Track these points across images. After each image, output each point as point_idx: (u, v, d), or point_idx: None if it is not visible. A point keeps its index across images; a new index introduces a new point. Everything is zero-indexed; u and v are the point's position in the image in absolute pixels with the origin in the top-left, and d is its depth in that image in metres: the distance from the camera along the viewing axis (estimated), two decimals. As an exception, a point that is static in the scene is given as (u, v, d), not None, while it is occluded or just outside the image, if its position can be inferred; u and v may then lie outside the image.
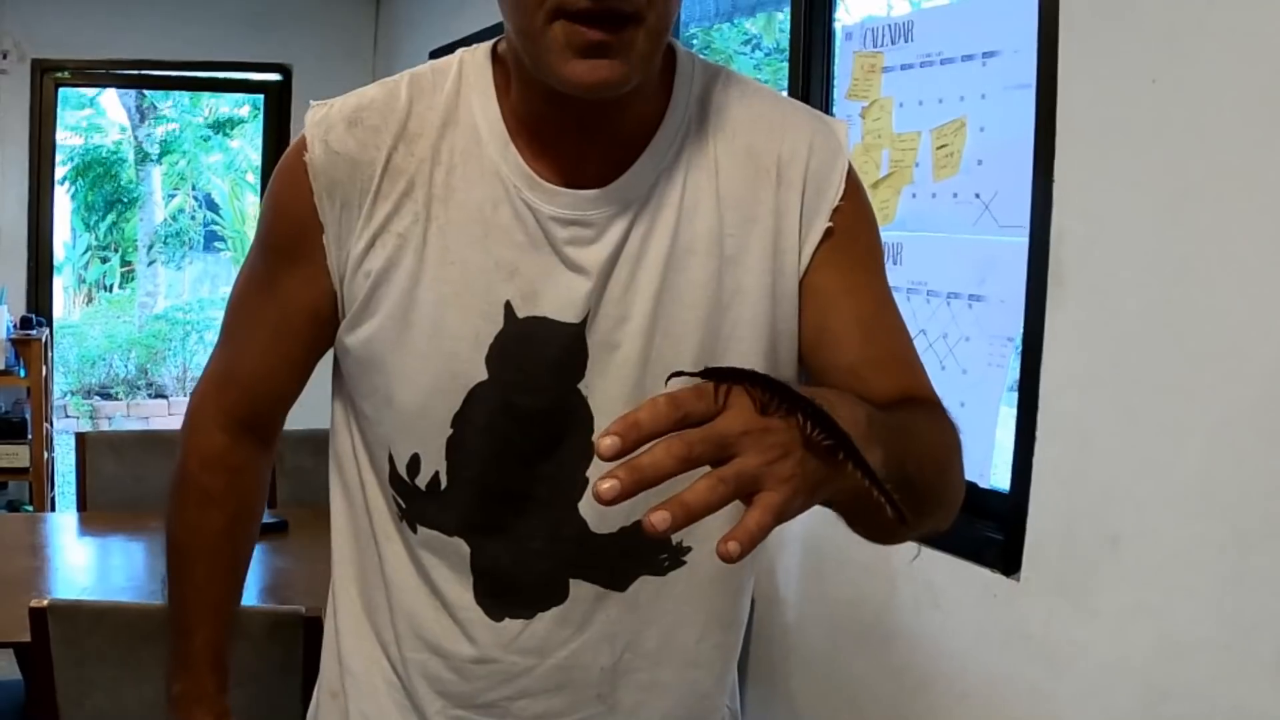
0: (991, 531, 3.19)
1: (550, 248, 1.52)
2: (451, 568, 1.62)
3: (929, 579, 3.39)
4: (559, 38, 1.36)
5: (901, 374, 1.59)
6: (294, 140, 1.59)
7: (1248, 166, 2.52)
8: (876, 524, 1.38)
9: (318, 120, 1.56)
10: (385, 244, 1.52)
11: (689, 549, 1.62)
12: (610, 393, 1.53)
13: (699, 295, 1.54)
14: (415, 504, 1.61)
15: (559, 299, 1.52)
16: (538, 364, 1.53)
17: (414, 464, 1.58)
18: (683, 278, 1.54)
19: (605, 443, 1.06)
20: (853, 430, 1.14)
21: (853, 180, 1.61)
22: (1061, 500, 2.96)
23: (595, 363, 1.54)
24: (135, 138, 15.68)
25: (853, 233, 1.60)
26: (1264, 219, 2.48)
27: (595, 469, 1.54)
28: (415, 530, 1.63)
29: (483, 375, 1.52)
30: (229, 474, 1.79)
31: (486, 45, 1.60)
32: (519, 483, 1.53)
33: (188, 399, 1.87)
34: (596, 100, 1.43)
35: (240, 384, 1.73)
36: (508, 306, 1.52)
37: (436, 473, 1.57)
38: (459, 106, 1.55)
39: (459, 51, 1.62)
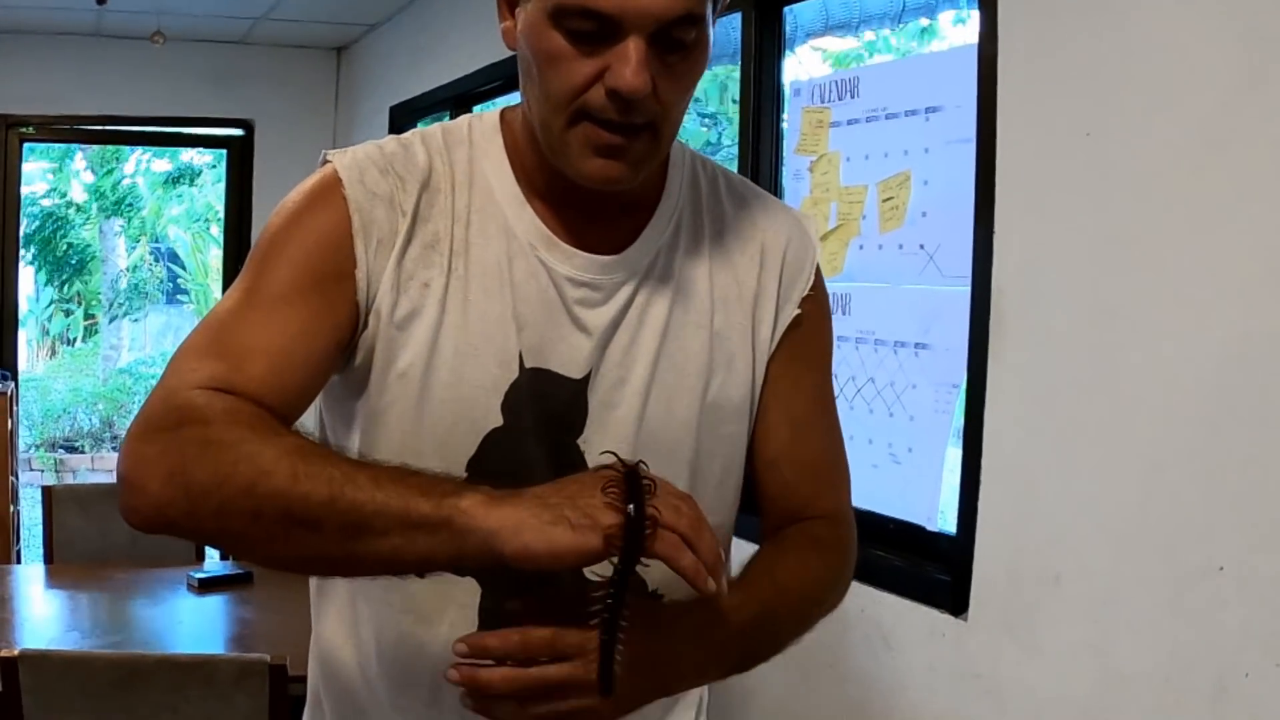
0: (940, 573, 3.27)
1: (561, 305, 1.60)
2: (460, 607, 1.65)
3: (880, 620, 3.46)
4: (580, 137, 1.48)
5: (812, 481, 1.75)
6: (315, 177, 1.58)
7: (1179, 215, 2.62)
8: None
9: (349, 162, 1.57)
10: (409, 291, 1.56)
11: (662, 595, 1.69)
12: (607, 449, 1.57)
13: (692, 364, 1.66)
14: None
15: (564, 355, 1.60)
16: (542, 415, 1.60)
17: None
18: (678, 346, 1.65)
19: (458, 648, 1.38)
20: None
21: (819, 274, 1.76)
22: (1006, 541, 3.05)
23: (594, 420, 1.62)
24: (97, 190, 15.70)
25: (812, 328, 1.75)
26: (1194, 267, 2.58)
27: None
28: (422, 574, 1.59)
29: (498, 421, 1.59)
30: (262, 409, 1.45)
31: (494, 114, 1.68)
32: None
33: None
34: None
35: (240, 381, 1.46)
36: (520, 357, 1.59)
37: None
38: (473, 167, 1.62)
39: (466, 118, 1.70)
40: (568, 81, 1.46)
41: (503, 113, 1.68)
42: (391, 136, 1.65)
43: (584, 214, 1.62)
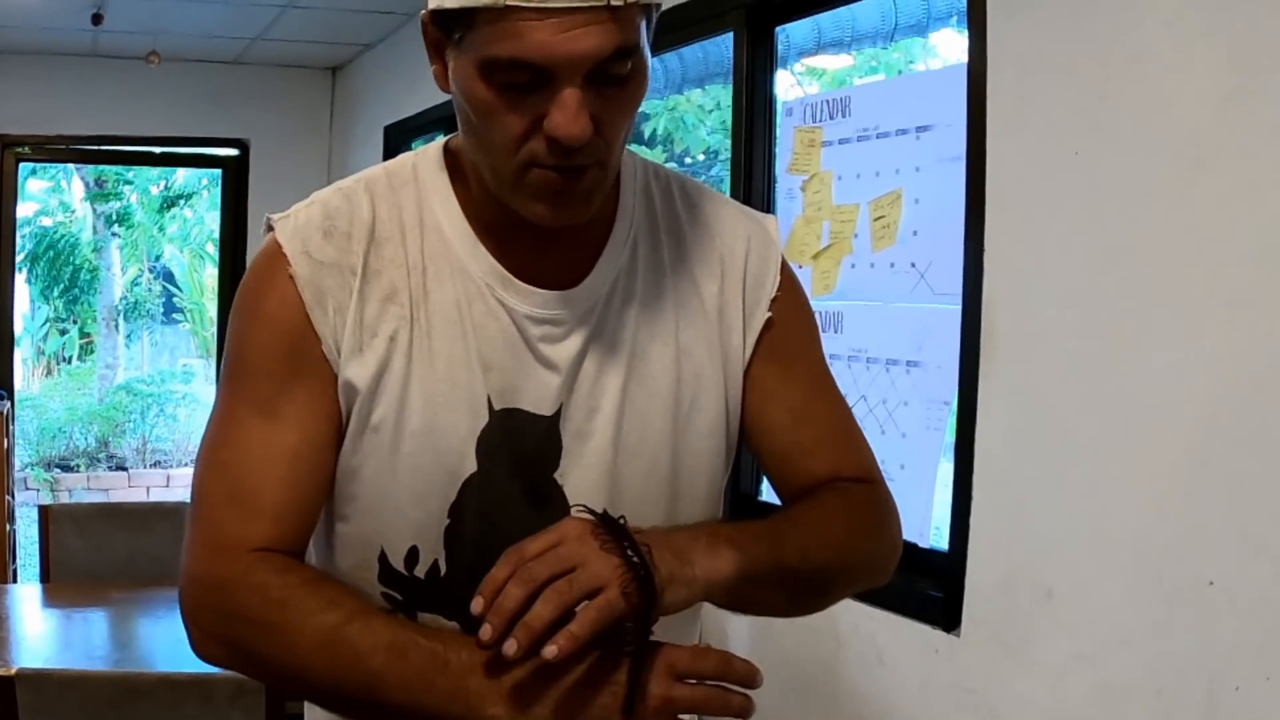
0: (932, 589, 3.29)
1: (525, 344, 1.59)
2: None
3: (873, 637, 3.48)
4: (531, 184, 1.46)
5: (829, 456, 1.73)
6: (260, 257, 1.58)
7: (1166, 231, 2.65)
8: (761, 609, 1.66)
9: (290, 234, 1.56)
10: (375, 348, 1.55)
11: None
12: (585, 479, 1.61)
13: (661, 382, 1.65)
14: (414, 594, 1.63)
15: (533, 393, 1.59)
16: (517, 455, 1.60)
17: (412, 556, 1.61)
18: (645, 366, 1.64)
19: (475, 604, 1.37)
20: (676, 555, 1.42)
21: (787, 272, 1.75)
22: (998, 557, 3.07)
23: (569, 453, 1.62)
24: (93, 210, 15.71)
25: (789, 323, 1.74)
26: (1183, 283, 2.61)
27: None
28: (415, 619, 1.63)
29: (474, 467, 1.58)
30: (292, 569, 1.53)
31: (437, 147, 1.66)
32: None
33: (180, 582, 1.56)
34: None
35: (267, 524, 1.53)
36: (489, 400, 1.58)
37: (436, 561, 1.61)
38: (421, 209, 1.60)
39: (409, 155, 1.68)
40: (507, 134, 1.43)
41: (446, 144, 1.66)
42: (334, 187, 1.64)
43: (537, 247, 1.59)
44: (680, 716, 1.42)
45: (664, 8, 1.49)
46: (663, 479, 1.65)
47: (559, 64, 1.37)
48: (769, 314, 1.71)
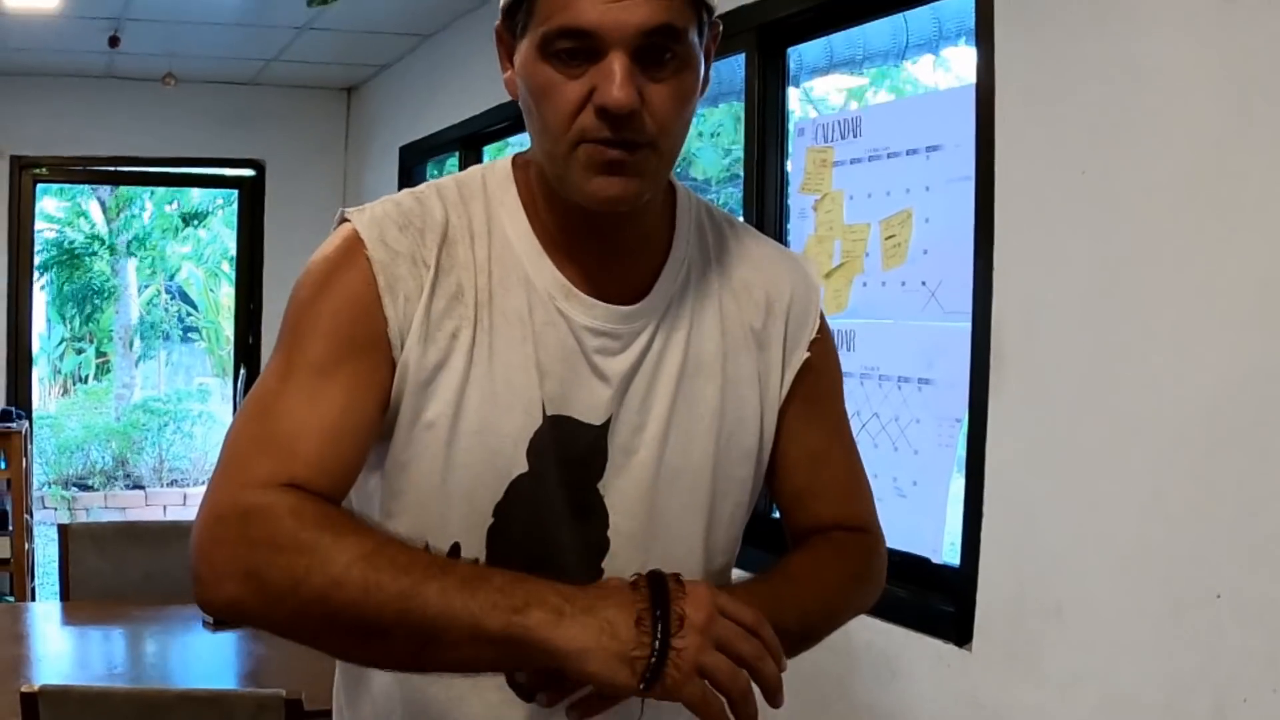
0: (944, 604, 3.32)
1: (581, 354, 1.64)
2: (490, 679, 1.66)
3: (886, 652, 3.51)
4: (582, 158, 1.52)
5: (836, 504, 1.81)
6: (335, 239, 1.62)
7: (1173, 250, 2.69)
8: None
9: (368, 222, 1.60)
10: (438, 341, 1.58)
11: None
12: (626, 494, 1.66)
13: (706, 409, 1.70)
14: None
15: (584, 402, 1.64)
16: (564, 461, 1.64)
17: (454, 553, 1.63)
18: (692, 392, 1.69)
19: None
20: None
21: (824, 318, 1.82)
22: (1009, 572, 3.10)
23: (613, 465, 1.66)
24: (109, 229, 15.79)
25: (822, 367, 1.80)
26: (1189, 301, 2.64)
27: (609, 564, 1.66)
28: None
29: (524, 467, 1.62)
30: (324, 503, 1.49)
31: (506, 162, 1.72)
32: (547, 571, 1.51)
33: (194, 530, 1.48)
34: (613, 214, 1.59)
35: (301, 467, 1.50)
36: (543, 405, 1.63)
37: (477, 559, 1.63)
38: (490, 218, 1.66)
39: (477, 168, 1.73)
40: (562, 108, 1.50)
41: (515, 159, 1.72)
42: (406, 191, 1.69)
43: (600, 262, 1.65)
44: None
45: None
46: (701, 503, 1.69)
47: (607, 30, 1.46)
48: (807, 354, 1.77)
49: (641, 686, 1.36)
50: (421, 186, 1.70)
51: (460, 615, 1.37)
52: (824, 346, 1.80)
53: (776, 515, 1.86)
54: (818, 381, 1.79)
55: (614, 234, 1.65)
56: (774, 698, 1.42)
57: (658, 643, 1.36)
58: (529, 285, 1.64)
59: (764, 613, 1.47)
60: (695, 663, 1.37)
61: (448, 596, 1.37)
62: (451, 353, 1.60)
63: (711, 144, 9.44)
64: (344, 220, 1.64)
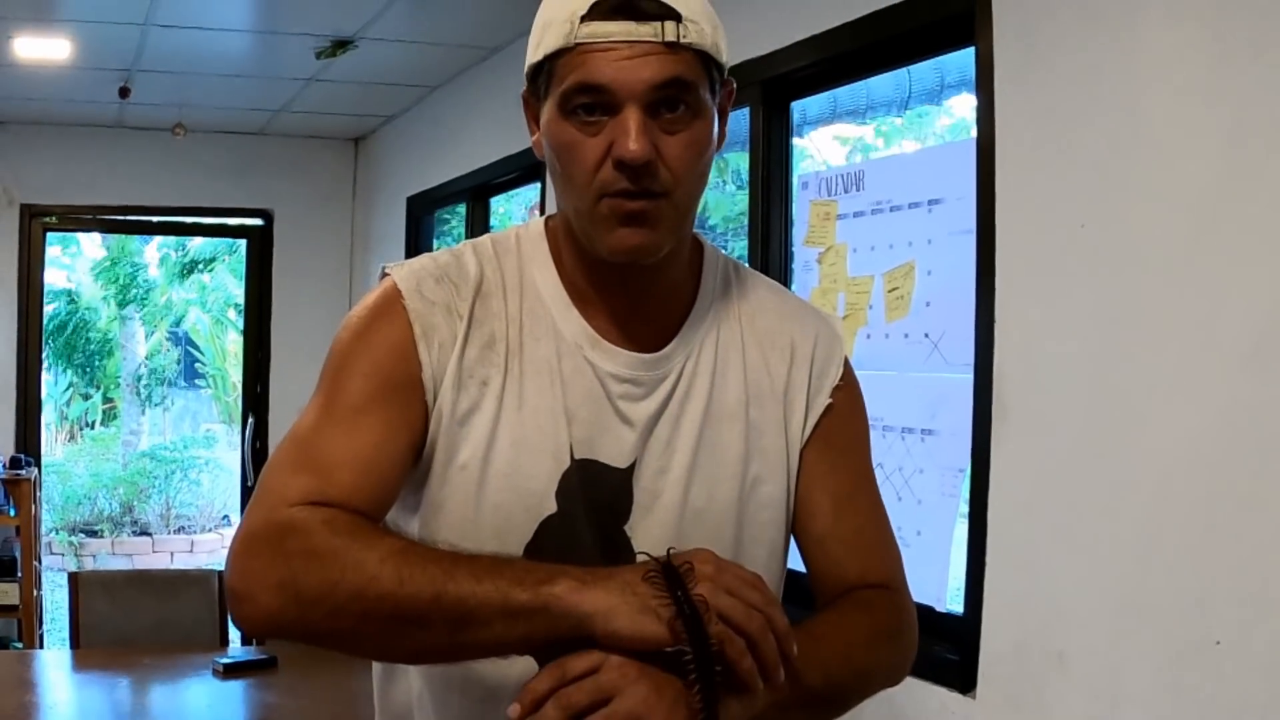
0: (948, 652, 3.34)
1: (607, 400, 1.71)
2: (520, 684, 1.65)
3: (890, 699, 3.50)
4: (605, 212, 1.60)
5: (861, 555, 1.81)
6: (376, 292, 1.71)
7: (1170, 301, 2.73)
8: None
9: (406, 275, 1.69)
10: (469, 389, 1.67)
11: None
12: (653, 534, 1.70)
13: (729, 453, 1.75)
14: None
15: (611, 446, 1.71)
16: (592, 503, 1.70)
17: None
18: (715, 436, 1.75)
19: (511, 710, 1.43)
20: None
21: (849, 368, 1.86)
22: (1012, 621, 3.13)
23: (640, 506, 1.72)
24: (116, 276, 15.85)
25: (846, 415, 1.84)
26: (1186, 350, 2.69)
27: None
28: (521, 654, 1.66)
29: (553, 508, 1.69)
30: (355, 515, 1.57)
31: (539, 222, 1.80)
32: None
33: (226, 559, 1.56)
34: (637, 266, 1.66)
35: (336, 491, 1.57)
36: (571, 448, 1.70)
37: None
38: (522, 273, 1.74)
39: (512, 228, 1.82)
40: (583, 165, 1.59)
41: (546, 220, 1.80)
42: (444, 249, 1.77)
43: (626, 311, 1.72)
44: None
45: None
46: (727, 546, 1.72)
47: (620, 87, 1.55)
48: (830, 400, 1.81)
49: (677, 630, 1.41)
50: (460, 244, 1.79)
51: (491, 593, 1.44)
52: (849, 395, 1.84)
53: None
54: (842, 428, 1.83)
55: (639, 285, 1.72)
56: (774, 671, 1.46)
57: (680, 592, 1.42)
58: (558, 335, 1.72)
59: (783, 687, 1.51)
60: (713, 605, 1.43)
61: (478, 576, 1.45)
62: (483, 399, 1.67)
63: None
64: (385, 275, 1.72)
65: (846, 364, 1.86)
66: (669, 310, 1.76)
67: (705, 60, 1.60)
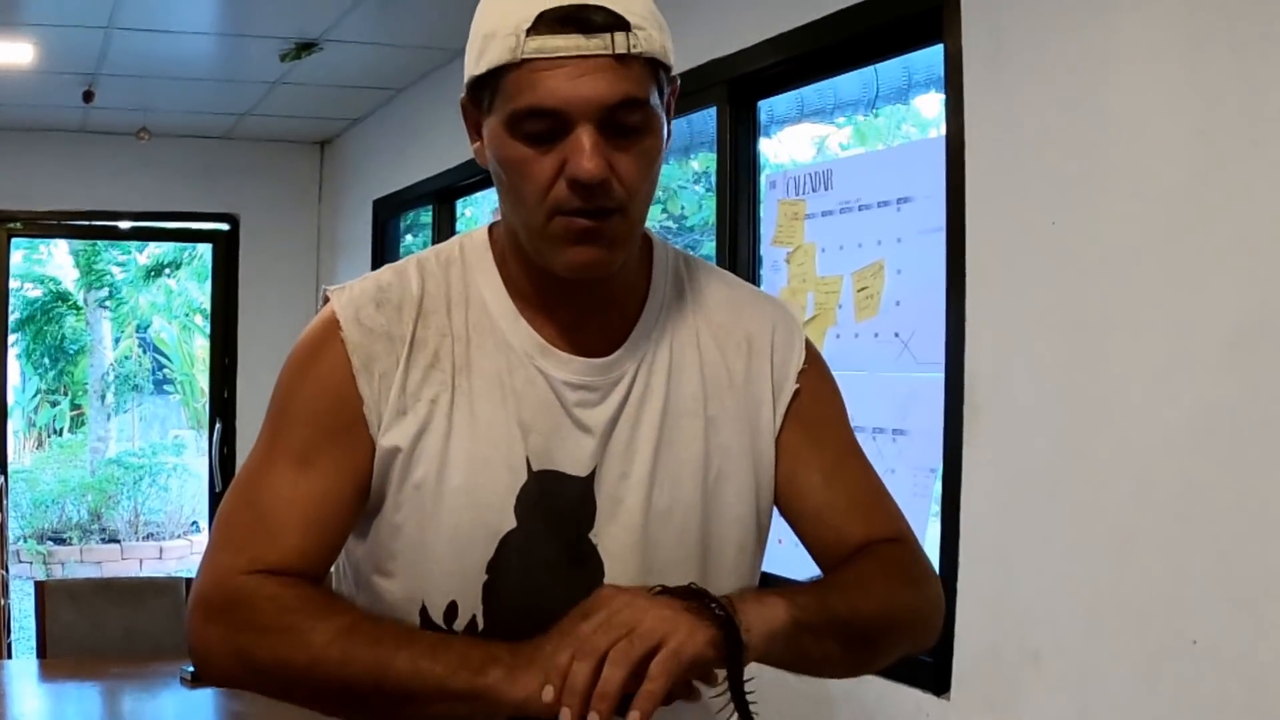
0: (922, 654, 3.31)
1: (561, 408, 1.68)
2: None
3: (864, 702, 3.52)
4: (558, 230, 1.57)
5: (862, 516, 1.79)
6: (317, 321, 1.70)
7: (1141, 298, 2.73)
8: (819, 665, 1.70)
9: (345, 302, 1.67)
10: (418, 411, 1.65)
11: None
12: (619, 540, 1.69)
13: (690, 452, 1.73)
14: None
15: (569, 455, 1.68)
16: (553, 514, 1.68)
17: (451, 611, 1.68)
18: (675, 435, 1.72)
19: (546, 694, 1.44)
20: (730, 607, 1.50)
21: (811, 348, 1.84)
22: (985, 621, 3.12)
23: (603, 513, 1.69)
24: (83, 282, 15.76)
25: (816, 392, 1.82)
26: (1158, 348, 2.68)
27: None
28: None
29: (512, 524, 1.66)
30: (302, 584, 1.61)
31: (483, 230, 1.78)
32: (546, 623, 1.57)
33: (189, 606, 1.63)
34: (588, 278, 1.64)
35: (283, 554, 1.62)
36: (528, 460, 1.67)
37: (474, 616, 1.67)
38: (467, 285, 1.72)
39: (456, 238, 1.79)
40: (535, 182, 1.55)
41: (490, 228, 1.77)
42: (389, 266, 1.75)
43: (576, 318, 1.70)
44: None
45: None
46: (694, 544, 1.71)
47: (572, 107, 1.52)
48: (796, 385, 1.79)
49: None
50: (405, 260, 1.77)
51: (428, 679, 1.50)
52: (815, 374, 1.82)
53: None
54: (815, 408, 1.81)
55: (588, 292, 1.69)
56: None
57: None
58: (507, 347, 1.69)
59: (809, 607, 1.56)
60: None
61: (417, 662, 1.50)
62: (433, 417, 1.65)
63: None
64: (326, 300, 1.71)
65: (808, 344, 1.83)
66: (620, 313, 1.74)
67: (654, 65, 1.58)
